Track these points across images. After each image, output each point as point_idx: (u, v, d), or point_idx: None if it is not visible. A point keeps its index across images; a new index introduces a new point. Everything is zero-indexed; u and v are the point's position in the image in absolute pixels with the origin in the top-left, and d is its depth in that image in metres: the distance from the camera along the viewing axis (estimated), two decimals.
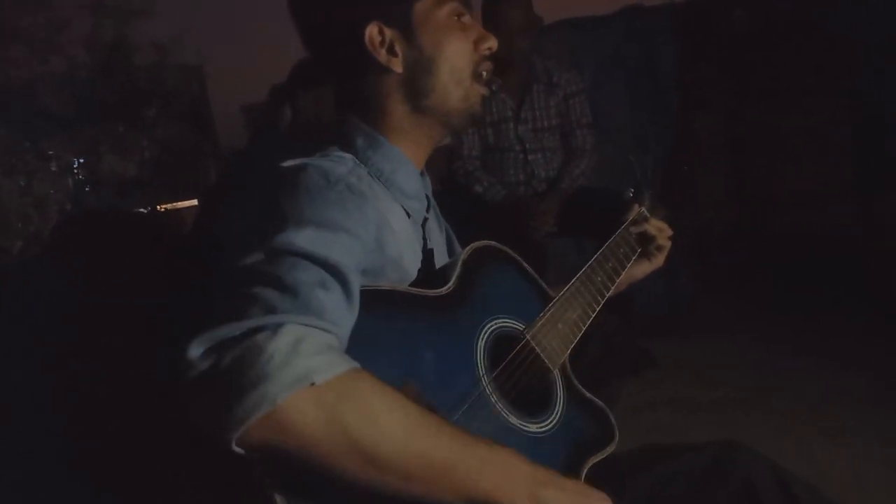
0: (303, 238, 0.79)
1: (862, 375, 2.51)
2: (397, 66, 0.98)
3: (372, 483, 0.72)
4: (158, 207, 2.31)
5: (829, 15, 3.42)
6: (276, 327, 0.69)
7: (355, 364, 0.73)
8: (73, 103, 2.56)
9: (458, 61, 1.00)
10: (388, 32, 0.97)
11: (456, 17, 1.01)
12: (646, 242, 1.32)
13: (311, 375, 0.68)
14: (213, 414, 0.68)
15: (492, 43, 1.03)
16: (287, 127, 2.16)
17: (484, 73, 1.03)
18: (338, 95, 1.07)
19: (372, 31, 0.97)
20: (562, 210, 2.64)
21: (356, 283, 0.81)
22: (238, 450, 0.68)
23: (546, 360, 1.04)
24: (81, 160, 2.45)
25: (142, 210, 2.33)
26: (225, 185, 1.92)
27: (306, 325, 0.71)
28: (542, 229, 2.61)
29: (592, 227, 2.40)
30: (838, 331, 2.95)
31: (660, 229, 1.31)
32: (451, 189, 2.80)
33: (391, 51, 0.98)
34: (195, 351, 0.69)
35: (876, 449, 2.05)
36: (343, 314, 0.78)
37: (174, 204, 2.60)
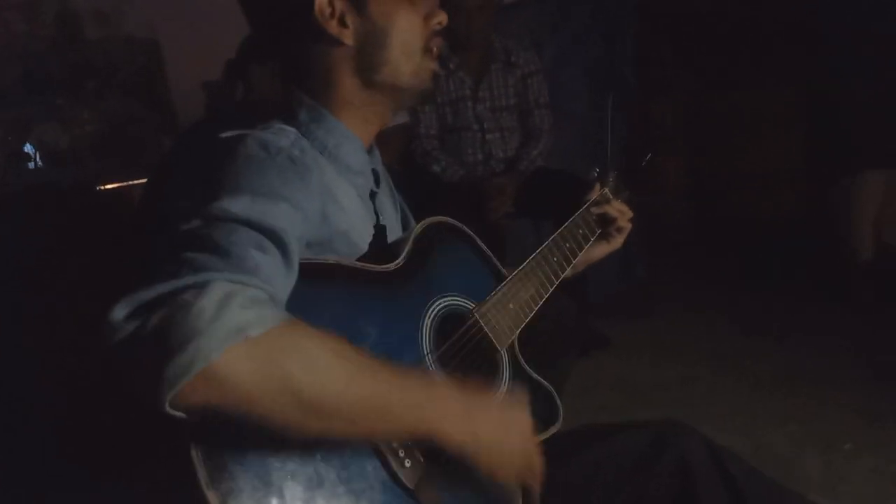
0: (239, 205, 0.77)
1: (809, 357, 2.57)
2: (348, 39, 0.95)
3: (316, 431, 0.73)
4: (100, 187, 2.24)
5: (789, 4, 3.47)
6: (204, 284, 0.67)
7: (288, 315, 0.72)
8: (10, 75, 2.46)
9: (409, 35, 0.97)
10: (339, 3, 0.94)
11: None
12: (606, 224, 1.30)
13: (244, 329, 0.66)
14: (145, 377, 0.65)
15: (442, 18, 1.00)
16: (238, 102, 2.11)
17: (434, 49, 1.01)
18: (283, 69, 1.04)
19: (321, 1, 0.94)
20: (519, 191, 2.64)
21: (296, 250, 0.79)
22: (174, 412, 0.66)
23: (494, 340, 1.04)
24: (17, 134, 2.36)
25: (82, 187, 2.25)
26: (170, 160, 1.87)
27: (235, 282, 0.69)
28: (499, 210, 2.61)
29: (550, 208, 2.40)
30: (789, 313, 3.02)
31: (621, 211, 1.30)
32: (409, 169, 2.78)
33: (342, 22, 0.95)
34: (119, 314, 0.66)
35: (816, 429, 2.11)
36: (280, 277, 0.76)
37: (127, 182, 2.53)
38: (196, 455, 0.69)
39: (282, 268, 0.76)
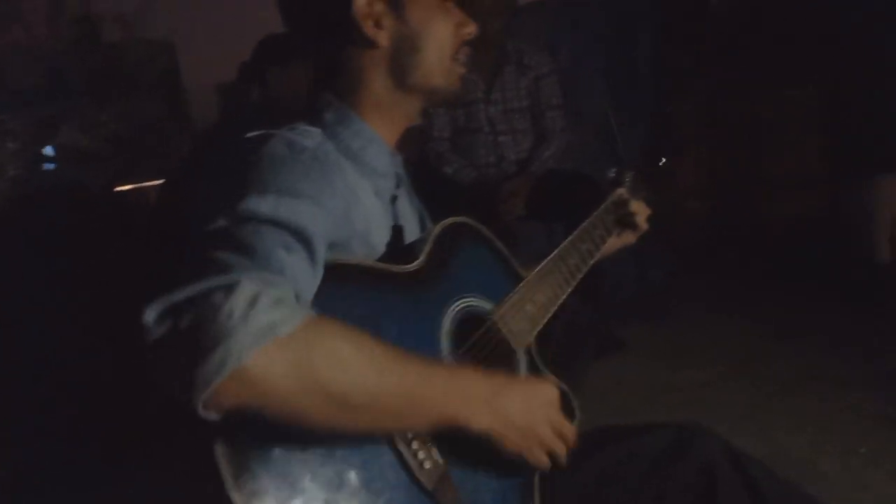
0: (265, 205, 0.78)
1: (826, 359, 2.56)
2: (383, 40, 0.97)
3: (345, 425, 0.74)
4: (117, 188, 2.25)
5: (807, 5, 3.45)
6: (232, 285, 0.67)
7: (314, 312, 0.72)
8: (33, 76, 2.49)
9: (442, 42, 1.00)
10: (377, 5, 0.96)
11: None
12: (624, 224, 1.31)
13: (273, 329, 0.67)
14: (179, 378, 0.66)
15: (472, 29, 1.03)
16: (255, 104, 2.13)
17: (461, 57, 1.03)
18: (314, 70, 1.05)
19: (360, 1, 0.95)
20: (531, 193, 2.63)
21: (321, 250, 0.80)
22: (209, 414, 0.66)
23: (511, 342, 1.04)
24: (40, 135, 2.38)
25: (101, 189, 2.27)
26: (189, 163, 1.89)
27: (262, 281, 0.70)
28: (511, 212, 2.60)
29: (562, 210, 2.40)
30: (806, 315, 3.00)
31: (639, 211, 1.31)
32: (421, 170, 2.78)
33: (378, 24, 0.96)
34: (150, 316, 0.67)
35: (833, 433, 2.10)
36: (306, 276, 0.76)
37: (142, 184, 2.55)
38: (221, 455, 0.70)
39: (308, 267, 0.77)
